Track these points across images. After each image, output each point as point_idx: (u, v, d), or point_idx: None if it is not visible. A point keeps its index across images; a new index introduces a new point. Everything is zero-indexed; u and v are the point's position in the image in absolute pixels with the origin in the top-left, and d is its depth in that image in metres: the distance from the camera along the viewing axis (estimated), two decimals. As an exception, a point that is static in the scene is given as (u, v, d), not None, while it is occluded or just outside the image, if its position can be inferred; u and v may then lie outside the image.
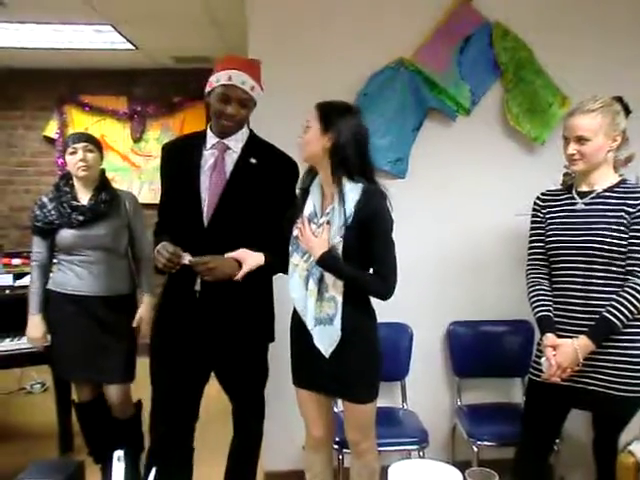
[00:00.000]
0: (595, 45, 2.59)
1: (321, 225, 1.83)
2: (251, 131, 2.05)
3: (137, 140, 4.88)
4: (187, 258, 1.83)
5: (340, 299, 1.80)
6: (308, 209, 1.87)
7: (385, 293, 1.82)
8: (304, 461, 2.13)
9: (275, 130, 2.14)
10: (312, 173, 1.92)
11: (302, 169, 2.01)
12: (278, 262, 1.95)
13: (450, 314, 2.66)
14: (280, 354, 2.09)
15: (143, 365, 2.48)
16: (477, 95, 2.57)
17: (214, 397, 2.21)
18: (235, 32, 3.77)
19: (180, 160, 2.02)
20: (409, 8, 2.56)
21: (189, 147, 2.04)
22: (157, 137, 4.90)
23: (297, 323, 1.92)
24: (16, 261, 3.34)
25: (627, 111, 1.93)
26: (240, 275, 1.85)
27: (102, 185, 2.49)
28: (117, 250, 2.48)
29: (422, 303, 2.57)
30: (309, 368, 1.92)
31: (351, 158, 1.79)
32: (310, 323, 1.83)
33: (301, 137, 1.85)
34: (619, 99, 1.93)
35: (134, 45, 4.12)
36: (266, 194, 1.94)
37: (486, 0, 2.54)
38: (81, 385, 2.58)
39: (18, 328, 2.83)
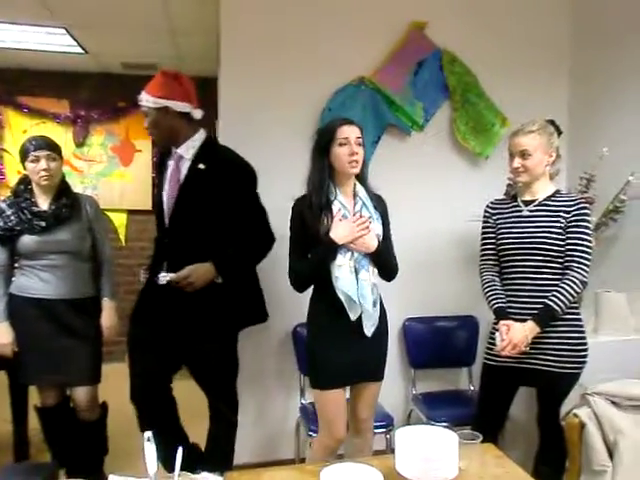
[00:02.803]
0: (527, 72, 2.96)
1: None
2: (208, 137, 2.23)
3: (80, 144, 4.78)
4: (166, 279, 2.04)
5: (377, 283, 2.08)
6: (340, 215, 2.01)
7: (397, 270, 2.16)
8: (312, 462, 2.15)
9: (246, 142, 2.29)
10: (324, 190, 2.01)
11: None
12: (237, 258, 2.18)
13: (406, 311, 2.91)
14: (252, 353, 2.28)
15: (109, 369, 2.57)
16: (429, 113, 2.87)
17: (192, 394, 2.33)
18: (188, 40, 3.84)
19: (159, 172, 2.34)
20: (368, 31, 2.81)
21: (164, 159, 2.31)
22: (101, 142, 4.83)
23: (332, 325, 2.04)
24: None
25: (559, 132, 2.27)
26: (190, 289, 2.08)
27: (62, 189, 2.48)
28: (81, 253, 2.48)
29: (381, 301, 2.79)
30: (350, 360, 2.03)
31: None
32: (369, 307, 2.02)
33: (356, 154, 1.99)
34: (552, 122, 2.26)
35: (84, 49, 4.06)
36: (218, 196, 2.13)
37: (437, 29, 2.85)
38: (46, 389, 2.55)
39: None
